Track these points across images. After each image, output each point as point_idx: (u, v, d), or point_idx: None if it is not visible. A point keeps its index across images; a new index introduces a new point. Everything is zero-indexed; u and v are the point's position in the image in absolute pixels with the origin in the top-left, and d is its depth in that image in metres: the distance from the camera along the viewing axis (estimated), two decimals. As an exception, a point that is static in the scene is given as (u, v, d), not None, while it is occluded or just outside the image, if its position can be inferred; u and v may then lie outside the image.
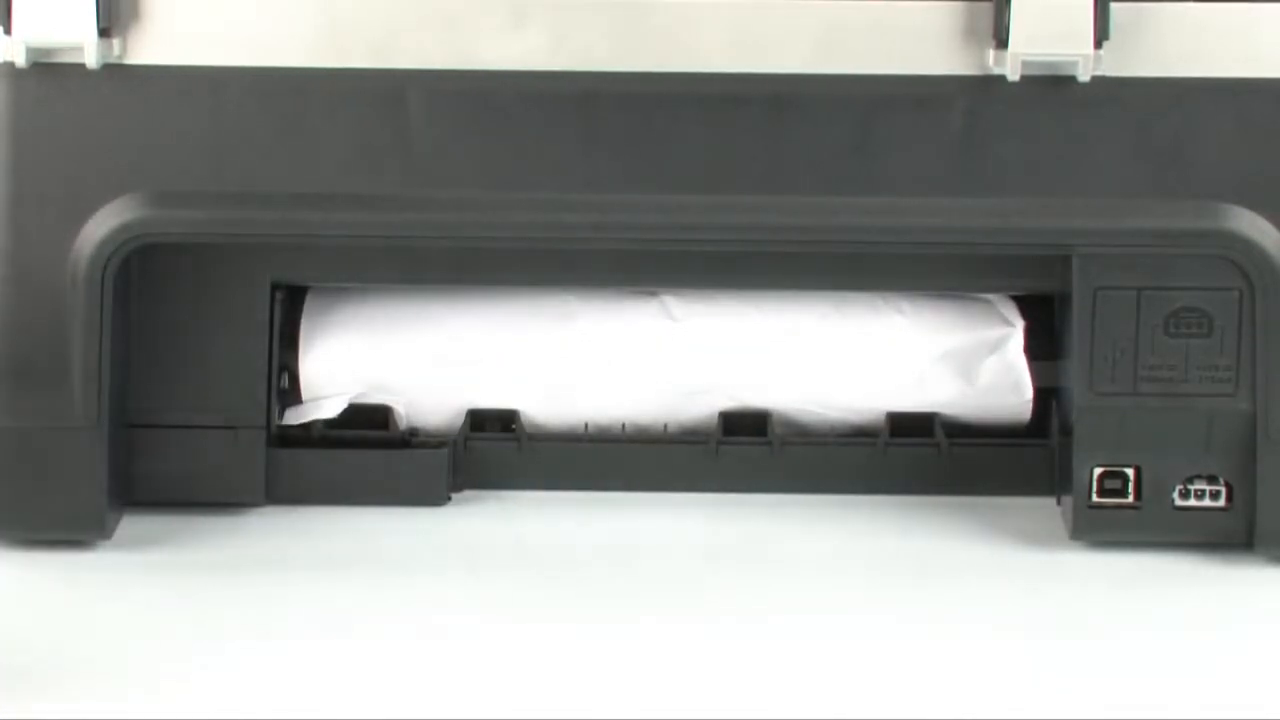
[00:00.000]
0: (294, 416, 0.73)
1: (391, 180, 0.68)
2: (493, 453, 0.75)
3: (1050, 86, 0.68)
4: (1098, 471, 0.69)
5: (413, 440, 0.75)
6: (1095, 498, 0.69)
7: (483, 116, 0.68)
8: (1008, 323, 0.73)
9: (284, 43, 0.68)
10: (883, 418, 0.74)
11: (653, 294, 0.75)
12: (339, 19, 0.68)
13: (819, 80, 0.68)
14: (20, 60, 0.68)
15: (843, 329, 0.73)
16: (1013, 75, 0.67)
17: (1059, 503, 0.72)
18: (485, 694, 0.57)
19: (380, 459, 0.73)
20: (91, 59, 0.67)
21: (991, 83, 0.68)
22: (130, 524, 0.70)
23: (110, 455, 0.68)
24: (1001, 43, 0.67)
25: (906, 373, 0.73)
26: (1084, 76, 0.67)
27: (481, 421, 0.75)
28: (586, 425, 0.75)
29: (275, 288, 0.72)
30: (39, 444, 0.68)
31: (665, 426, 0.75)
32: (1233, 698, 0.57)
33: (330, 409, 0.73)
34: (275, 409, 0.73)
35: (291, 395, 0.74)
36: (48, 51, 0.68)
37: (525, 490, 0.75)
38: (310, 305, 0.74)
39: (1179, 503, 0.69)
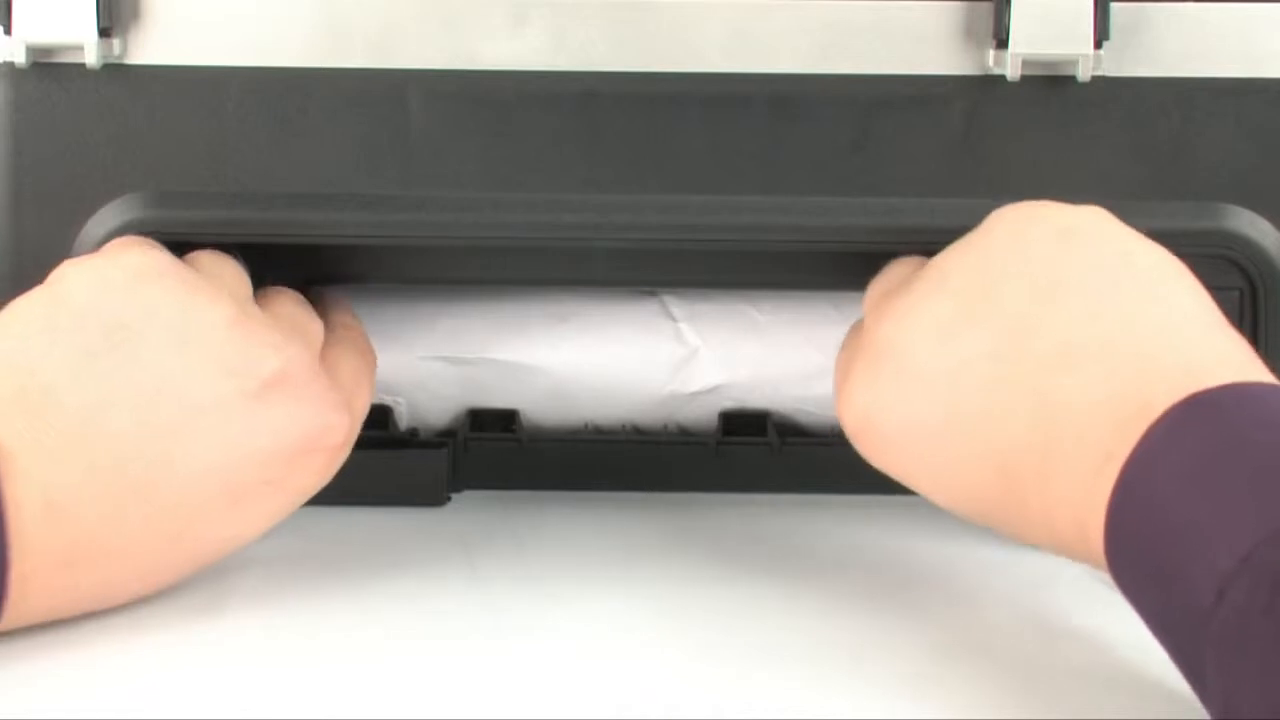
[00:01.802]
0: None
1: (391, 180, 0.68)
2: (493, 453, 0.75)
3: (1050, 86, 0.68)
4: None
5: (413, 440, 0.75)
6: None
7: (483, 116, 0.68)
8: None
9: (284, 43, 0.68)
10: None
11: (652, 294, 0.75)
12: (339, 19, 0.68)
13: (819, 80, 0.68)
14: (20, 60, 0.68)
15: (842, 329, 0.73)
16: (1013, 75, 0.67)
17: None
18: (484, 694, 0.57)
19: (380, 459, 0.73)
20: (91, 59, 0.67)
21: (991, 83, 0.68)
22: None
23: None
24: (1001, 43, 0.67)
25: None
26: (1084, 76, 0.67)
27: (481, 421, 0.75)
28: (586, 425, 0.75)
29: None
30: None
31: (665, 426, 0.75)
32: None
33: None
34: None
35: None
36: (48, 51, 0.68)
37: (525, 490, 0.75)
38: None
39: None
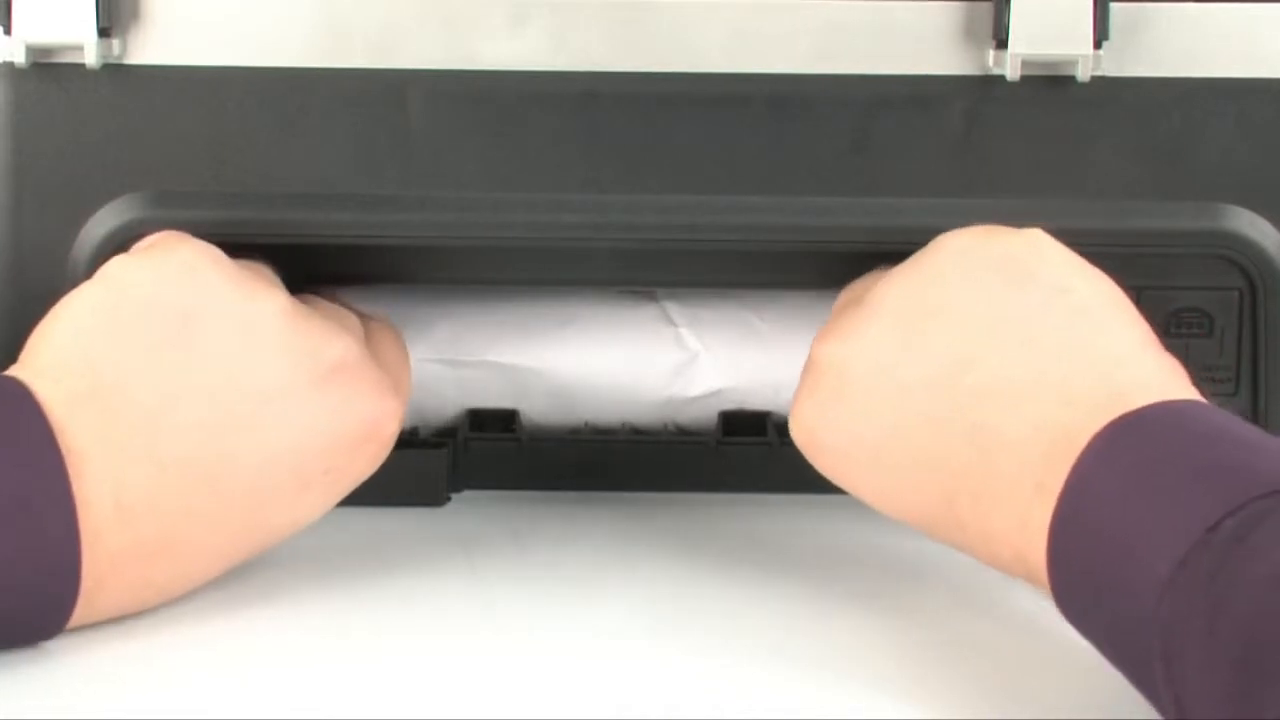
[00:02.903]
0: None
1: (391, 180, 0.68)
2: (493, 453, 0.75)
3: (1050, 86, 0.68)
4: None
5: (413, 440, 0.75)
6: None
7: (483, 116, 0.68)
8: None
9: (284, 43, 0.68)
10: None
11: (652, 297, 0.75)
12: (339, 19, 0.68)
13: (819, 80, 0.68)
14: (20, 60, 0.68)
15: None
16: (1012, 75, 0.67)
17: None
18: (484, 695, 0.57)
19: (380, 459, 0.73)
20: (91, 59, 0.67)
21: (991, 83, 0.68)
22: (130, 524, 0.70)
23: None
24: (1001, 43, 0.67)
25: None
26: (1084, 76, 0.67)
27: (481, 421, 0.75)
28: (586, 425, 0.75)
29: None
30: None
31: (665, 427, 0.75)
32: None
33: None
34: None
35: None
36: (48, 51, 0.68)
37: (525, 490, 0.75)
38: (310, 305, 0.74)
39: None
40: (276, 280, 0.64)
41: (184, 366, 0.60)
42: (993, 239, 0.61)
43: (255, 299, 0.61)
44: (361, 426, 0.63)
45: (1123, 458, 0.54)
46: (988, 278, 0.60)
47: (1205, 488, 0.51)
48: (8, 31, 0.67)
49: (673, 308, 0.75)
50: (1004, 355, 0.59)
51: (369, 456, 0.64)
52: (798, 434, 0.64)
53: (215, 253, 0.62)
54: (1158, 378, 0.57)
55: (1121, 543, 0.52)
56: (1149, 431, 0.54)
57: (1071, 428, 0.55)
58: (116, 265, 0.62)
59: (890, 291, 0.62)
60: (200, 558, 0.61)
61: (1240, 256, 0.68)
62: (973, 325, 0.59)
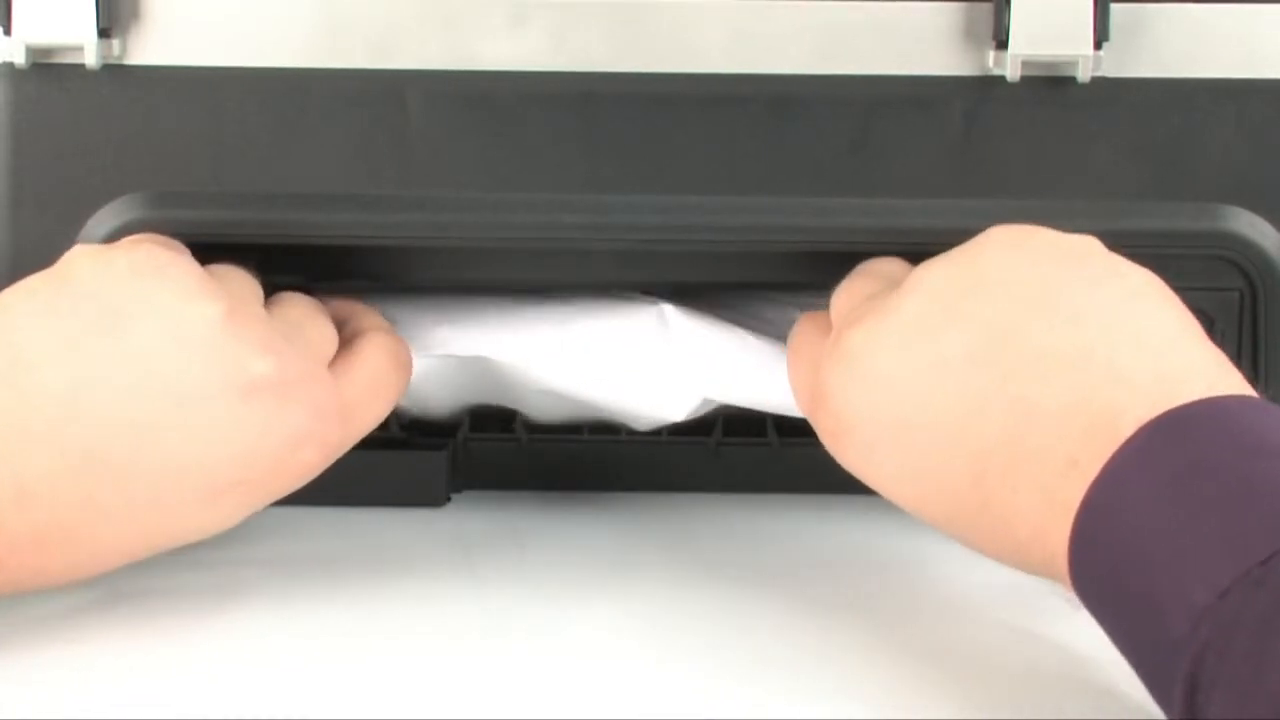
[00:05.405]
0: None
1: (391, 180, 0.68)
2: (493, 453, 0.75)
3: (1050, 87, 0.68)
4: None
5: (413, 440, 0.75)
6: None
7: (483, 116, 0.68)
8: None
9: (284, 43, 0.68)
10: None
11: (653, 301, 0.75)
12: (339, 19, 0.68)
13: (819, 80, 0.68)
14: (20, 60, 0.68)
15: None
16: (1012, 76, 0.67)
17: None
18: (484, 695, 0.57)
19: (380, 459, 0.73)
20: (91, 59, 0.68)
21: (991, 83, 0.68)
22: (130, 524, 0.70)
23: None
24: (1001, 43, 0.67)
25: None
26: (1084, 77, 0.67)
27: (481, 421, 0.75)
28: (586, 425, 0.75)
29: (276, 288, 0.72)
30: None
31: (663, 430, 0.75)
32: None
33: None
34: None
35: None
36: (48, 51, 0.68)
37: (525, 490, 0.75)
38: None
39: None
40: (245, 286, 0.63)
41: (105, 360, 0.59)
42: (1044, 231, 0.60)
43: (192, 303, 0.60)
44: (282, 446, 0.61)
45: (1163, 458, 0.52)
46: (1037, 256, 0.59)
47: (1254, 513, 0.49)
48: (8, 32, 0.67)
49: (670, 311, 0.74)
50: (1049, 327, 0.57)
51: (291, 475, 0.62)
52: (824, 419, 0.62)
53: (170, 257, 0.61)
54: (1208, 367, 0.55)
55: (1155, 552, 0.50)
56: (1194, 433, 0.52)
57: (1116, 406, 0.54)
58: (72, 254, 0.62)
59: (929, 275, 0.60)
60: (98, 551, 0.60)
61: (1240, 257, 0.68)
62: (1019, 297, 0.58)
